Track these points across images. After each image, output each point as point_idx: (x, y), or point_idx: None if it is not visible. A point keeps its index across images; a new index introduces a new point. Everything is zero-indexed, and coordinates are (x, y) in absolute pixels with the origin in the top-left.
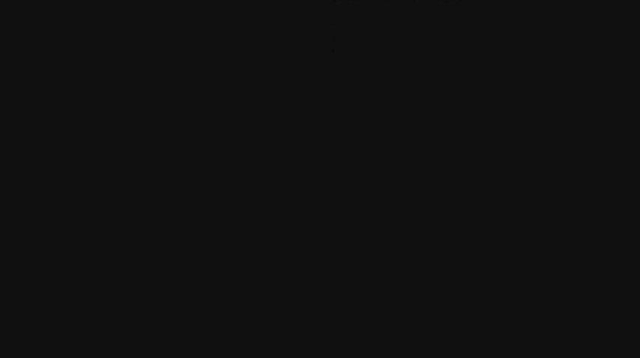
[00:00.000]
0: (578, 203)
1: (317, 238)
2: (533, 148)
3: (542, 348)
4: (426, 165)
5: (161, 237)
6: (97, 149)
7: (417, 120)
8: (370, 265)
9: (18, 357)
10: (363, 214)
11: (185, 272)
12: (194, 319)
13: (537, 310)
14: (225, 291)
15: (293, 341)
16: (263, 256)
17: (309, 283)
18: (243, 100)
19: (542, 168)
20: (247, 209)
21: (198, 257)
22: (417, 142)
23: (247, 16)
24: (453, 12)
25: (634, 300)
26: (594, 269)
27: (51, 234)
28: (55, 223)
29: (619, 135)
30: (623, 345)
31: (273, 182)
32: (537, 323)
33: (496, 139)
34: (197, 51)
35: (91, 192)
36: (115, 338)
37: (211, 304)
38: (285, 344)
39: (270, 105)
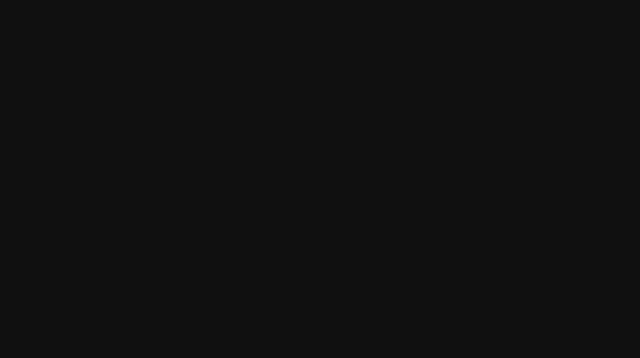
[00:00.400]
0: (578, 203)
1: (317, 238)
2: (534, 148)
3: (542, 348)
4: (426, 165)
5: (161, 237)
6: (97, 149)
7: (417, 120)
8: (370, 265)
9: (18, 357)
10: (363, 214)
11: (185, 272)
12: (194, 319)
13: (537, 310)
14: (225, 291)
15: (293, 341)
16: (263, 256)
17: (309, 283)
18: (243, 100)
19: (543, 168)
20: (247, 209)
21: (198, 257)
22: (417, 142)
23: (247, 16)
24: (453, 12)
25: (634, 300)
26: (594, 270)
27: (51, 234)
28: (55, 223)
29: (619, 135)
30: (623, 345)
31: (273, 182)
32: (537, 323)
33: (496, 139)
34: (197, 51)
35: (91, 192)
36: (115, 338)
37: (211, 304)
38: (285, 344)
39: (270, 105)
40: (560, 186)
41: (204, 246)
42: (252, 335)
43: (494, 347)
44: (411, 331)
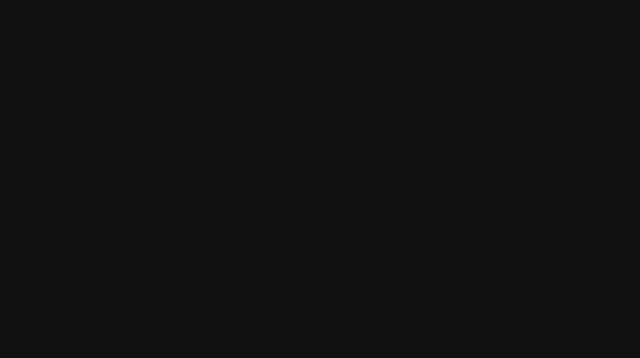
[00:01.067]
0: (577, 203)
1: (316, 239)
2: (534, 148)
3: (542, 348)
4: (426, 165)
5: (161, 237)
6: (97, 149)
7: (416, 119)
8: (369, 265)
9: (18, 357)
10: (363, 215)
11: (185, 272)
12: (194, 319)
13: (537, 310)
14: (225, 291)
15: (293, 341)
16: (262, 256)
17: (309, 283)
18: (242, 100)
19: (542, 168)
20: (246, 209)
21: (198, 257)
22: (417, 142)
23: (247, 16)
24: (453, 11)
25: (634, 300)
26: (594, 270)
27: (51, 234)
28: (55, 223)
29: (619, 135)
30: (623, 345)
31: (273, 182)
32: (537, 323)
33: (496, 139)
34: (197, 51)
35: (91, 192)
36: (114, 338)
37: (211, 304)
38: (285, 344)
39: (269, 106)
40: (560, 185)
41: (204, 246)
42: (251, 335)
43: (495, 347)
44: (411, 331)
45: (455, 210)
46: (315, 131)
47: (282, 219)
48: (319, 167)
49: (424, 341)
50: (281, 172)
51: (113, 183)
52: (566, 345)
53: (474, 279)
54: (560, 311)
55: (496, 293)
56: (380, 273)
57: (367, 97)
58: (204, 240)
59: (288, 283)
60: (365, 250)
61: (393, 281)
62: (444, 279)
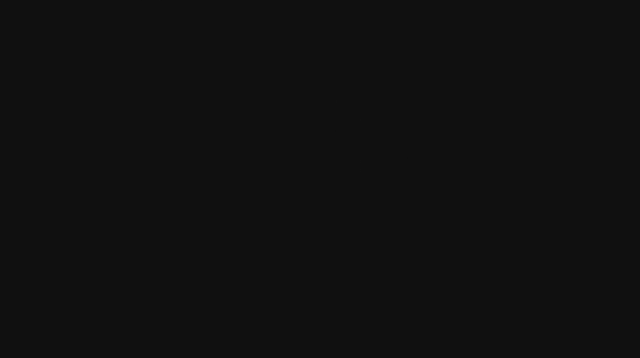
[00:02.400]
0: (577, 203)
1: (316, 239)
2: (534, 148)
3: (542, 348)
4: (426, 165)
5: (161, 237)
6: (97, 149)
7: (416, 120)
8: (369, 266)
9: (18, 357)
10: (363, 215)
11: (184, 272)
12: (194, 319)
13: (537, 310)
14: (225, 292)
15: (293, 341)
16: (262, 256)
17: (309, 284)
18: (242, 100)
19: (543, 168)
20: (246, 210)
21: (198, 257)
22: (417, 142)
23: (247, 16)
24: (453, 11)
25: (634, 300)
26: (594, 270)
27: (50, 234)
28: (55, 223)
29: (619, 135)
30: (623, 345)
31: (273, 183)
32: (537, 323)
33: (496, 139)
34: (196, 51)
35: (91, 192)
36: (114, 338)
37: (211, 304)
38: (285, 344)
39: (269, 106)
40: (560, 185)
41: (204, 246)
42: (251, 335)
43: (494, 347)
44: (411, 331)
45: (455, 210)
46: (315, 131)
47: (282, 219)
48: (319, 167)
49: (424, 341)
50: (281, 172)
51: (113, 183)
52: (566, 345)
53: (474, 279)
54: (560, 311)
55: (496, 293)
56: (380, 273)
57: (367, 97)
58: (204, 240)
59: (289, 283)
60: (365, 250)
61: (393, 282)
62: (444, 279)
